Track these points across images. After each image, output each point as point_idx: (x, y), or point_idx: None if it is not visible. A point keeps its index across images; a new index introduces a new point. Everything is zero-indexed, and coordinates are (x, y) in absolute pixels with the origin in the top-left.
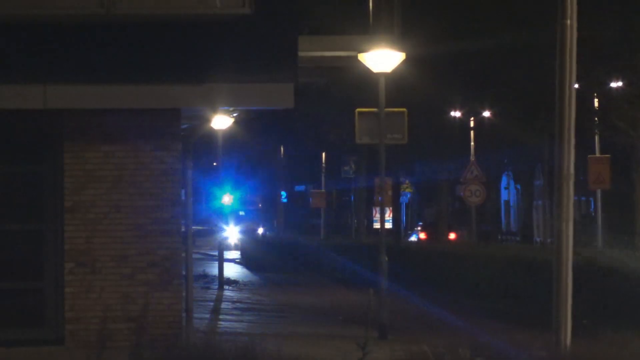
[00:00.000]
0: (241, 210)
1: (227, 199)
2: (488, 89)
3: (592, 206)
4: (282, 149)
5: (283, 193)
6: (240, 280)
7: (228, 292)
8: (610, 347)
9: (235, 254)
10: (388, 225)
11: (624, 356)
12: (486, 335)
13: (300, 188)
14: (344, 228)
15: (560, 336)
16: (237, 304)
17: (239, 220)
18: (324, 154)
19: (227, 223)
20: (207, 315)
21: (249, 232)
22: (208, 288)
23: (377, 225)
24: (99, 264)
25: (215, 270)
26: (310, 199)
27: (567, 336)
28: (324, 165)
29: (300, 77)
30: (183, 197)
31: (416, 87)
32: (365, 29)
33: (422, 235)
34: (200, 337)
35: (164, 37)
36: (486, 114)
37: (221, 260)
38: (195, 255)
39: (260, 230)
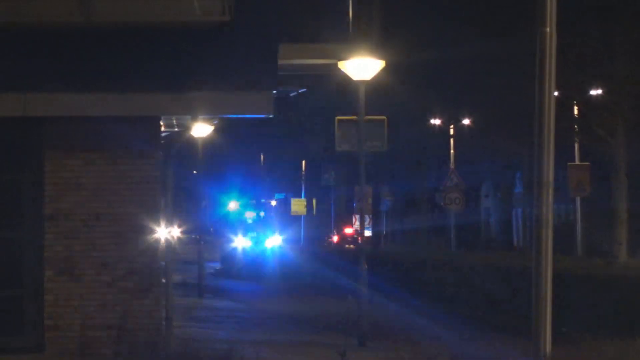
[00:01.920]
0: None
1: (233, 205)
2: (468, 97)
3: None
4: (262, 157)
5: (262, 201)
6: (220, 288)
7: (208, 300)
8: (590, 354)
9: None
10: (368, 232)
11: None
12: (466, 343)
13: (280, 196)
14: (325, 235)
15: (540, 344)
16: (217, 311)
17: (248, 228)
18: (304, 162)
19: (234, 232)
20: (187, 323)
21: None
22: (188, 296)
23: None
24: (79, 272)
25: (195, 279)
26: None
27: (547, 344)
28: (303, 173)
29: (280, 85)
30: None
31: (396, 95)
32: (345, 37)
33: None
34: (180, 344)
35: (144, 45)
36: (466, 121)
37: (201, 268)
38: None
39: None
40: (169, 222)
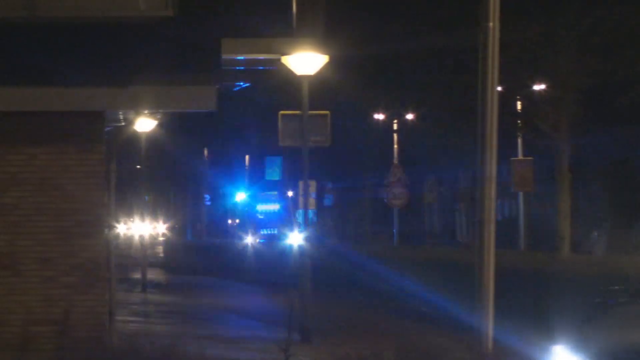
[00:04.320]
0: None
1: (241, 196)
2: (411, 92)
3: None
4: (206, 151)
5: (207, 196)
6: (164, 282)
7: (151, 295)
8: (531, 348)
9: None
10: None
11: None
12: (412, 338)
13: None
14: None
15: (483, 339)
16: (160, 306)
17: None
18: (247, 157)
19: (245, 230)
20: (130, 318)
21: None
22: (131, 291)
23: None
24: (22, 267)
25: (138, 273)
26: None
27: (489, 339)
28: (247, 167)
29: (224, 79)
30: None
31: (340, 89)
32: (289, 32)
33: None
34: (123, 339)
35: (87, 39)
36: (410, 116)
37: (145, 263)
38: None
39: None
40: (153, 218)
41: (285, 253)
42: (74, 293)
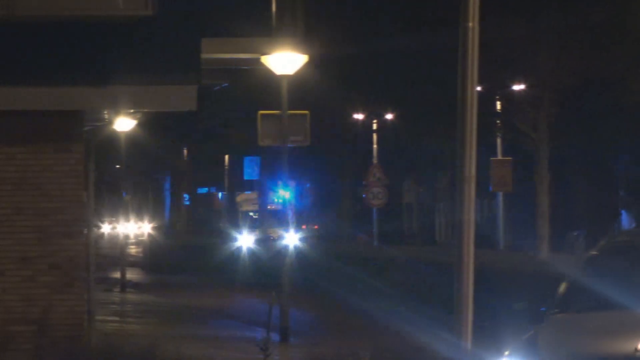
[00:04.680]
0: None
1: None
2: (392, 92)
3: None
4: (185, 151)
5: (186, 195)
6: (143, 282)
7: (131, 295)
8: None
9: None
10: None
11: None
12: (390, 338)
13: (203, 190)
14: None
15: (462, 338)
16: (140, 306)
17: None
18: (227, 157)
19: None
20: (109, 318)
21: None
22: (110, 290)
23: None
24: (1, 266)
25: (118, 273)
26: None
27: (468, 338)
28: (226, 167)
29: (204, 79)
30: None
31: (320, 89)
32: (269, 32)
33: None
34: (102, 339)
35: (67, 38)
36: (389, 116)
37: (124, 262)
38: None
39: None
40: (139, 218)
41: (281, 255)
42: (53, 292)
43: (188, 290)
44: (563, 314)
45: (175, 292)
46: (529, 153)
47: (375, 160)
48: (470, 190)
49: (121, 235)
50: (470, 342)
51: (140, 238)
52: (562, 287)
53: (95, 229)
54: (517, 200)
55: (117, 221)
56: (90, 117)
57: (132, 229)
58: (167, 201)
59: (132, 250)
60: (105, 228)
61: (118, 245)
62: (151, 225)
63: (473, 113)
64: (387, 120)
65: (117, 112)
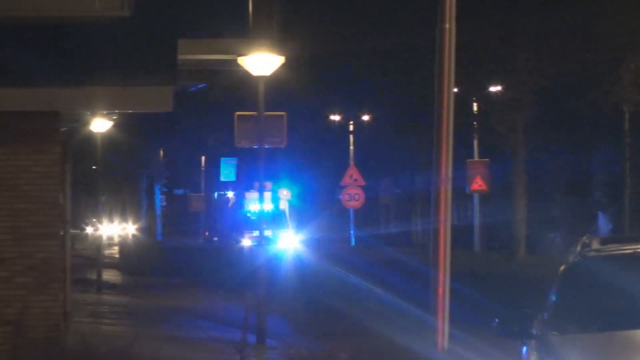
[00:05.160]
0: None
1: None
2: (368, 93)
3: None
4: (162, 152)
5: (162, 197)
6: (119, 283)
7: (107, 296)
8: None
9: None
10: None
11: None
12: (369, 339)
13: (179, 192)
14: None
15: (438, 339)
16: (115, 307)
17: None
18: (203, 158)
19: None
20: (86, 319)
21: None
22: (87, 292)
23: None
24: None
25: (94, 274)
26: (189, 203)
27: (445, 339)
28: (203, 168)
29: (180, 80)
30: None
31: (297, 91)
32: (245, 33)
33: None
34: (79, 340)
35: (43, 39)
36: (366, 117)
37: (100, 263)
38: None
39: None
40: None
41: (277, 257)
42: (30, 294)
43: (165, 292)
44: (562, 335)
45: (152, 294)
46: (506, 155)
47: (351, 162)
48: (447, 192)
49: (103, 237)
50: (447, 342)
51: (125, 239)
52: (553, 300)
53: (81, 231)
54: (494, 202)
55: (100, 222)
56: (67, 117)
57: (116, 230)
58: (144, 202)
59: (112, 251)
60: (90, 230)
61: (96, 247)
62: (135, 226)
63: (450, 114)
64: (364, 121)
65: (93, 113)
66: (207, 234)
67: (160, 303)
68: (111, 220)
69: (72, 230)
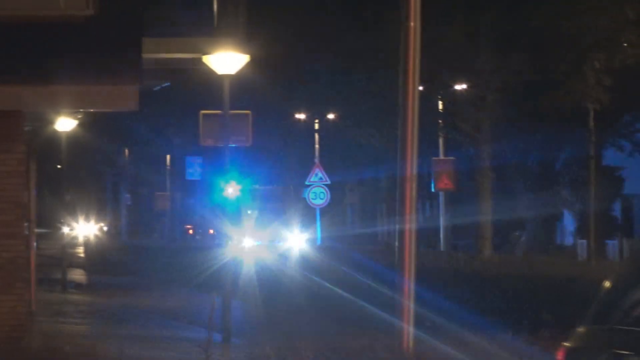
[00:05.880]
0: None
1: (231, 190)
2: (333, 91)
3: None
4: (127, 151)
5: (127, 196)
6: (84, 283)
7: (72, 295)
8: (452, 346)
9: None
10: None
11: (465, 356)
12: (333, 339)
13: (144, 190)
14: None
15: (403, 338)
16: (81, 306)
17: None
18: (168, 157)
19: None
20: (51, 318)
21: None
22: (52, 291)
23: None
24: None
25: (59, 274)
26: (154, 202)
27: (410, 338)
28: (168, 167)
29: (145, 79)
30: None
31: (262, 89)
32: (210, 31)
33: None
34: (43, 339)
35: (7, 38)
36: (331, 116)
37: (65, 263)
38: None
39: None
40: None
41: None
42: None
43: (131, 291)
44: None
45: (118, 293)
46: (471, 153)
47: (317, 160)
48: (412, 190)
49: (79, 236)
50: (412, 341)
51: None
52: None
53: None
54: (459, 200)
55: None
56: (31, 117)
57: (92, 229)
58: (109, 202)
59: (77, 250)
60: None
61: (61, 246)
62: (101, 225)
63: (415, 112)
64: (329, 120)
65: (58, 112)
66: (190, 231)
67: (126, 302)
68: (87, 220)
69: (45, 230)
